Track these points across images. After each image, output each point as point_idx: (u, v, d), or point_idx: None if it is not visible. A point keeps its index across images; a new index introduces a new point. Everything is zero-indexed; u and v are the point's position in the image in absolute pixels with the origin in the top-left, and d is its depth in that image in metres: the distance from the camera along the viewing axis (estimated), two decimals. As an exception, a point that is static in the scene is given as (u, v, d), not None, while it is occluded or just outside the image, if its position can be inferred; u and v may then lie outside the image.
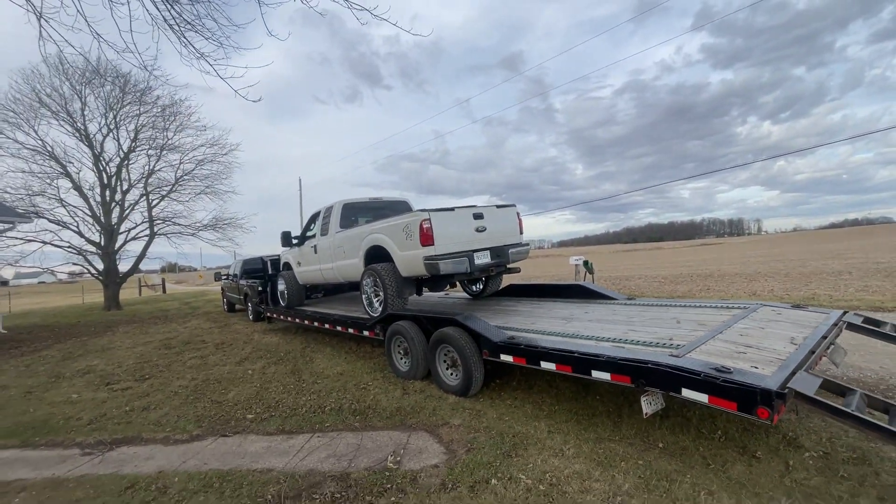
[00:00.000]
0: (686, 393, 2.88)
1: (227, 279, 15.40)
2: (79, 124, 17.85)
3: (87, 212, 18.58)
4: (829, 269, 16.89)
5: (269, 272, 10.99)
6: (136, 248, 20.69)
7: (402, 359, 5.71)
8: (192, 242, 20.90)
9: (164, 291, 35.88)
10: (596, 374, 3.42)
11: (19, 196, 16.70)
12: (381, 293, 6.46)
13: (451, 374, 4.91)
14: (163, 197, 20.36)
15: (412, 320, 5.53)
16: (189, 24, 4.02)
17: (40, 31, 3.65)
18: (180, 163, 20.45)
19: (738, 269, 21.33)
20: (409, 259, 5.79)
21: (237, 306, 15.59)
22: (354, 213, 7.94)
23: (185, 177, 20.61)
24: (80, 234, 18.09)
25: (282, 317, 9.55)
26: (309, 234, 9.01)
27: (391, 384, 5.30)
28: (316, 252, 8.28)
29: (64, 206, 17.68)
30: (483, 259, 5.94)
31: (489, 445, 3.51)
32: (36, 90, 16.71)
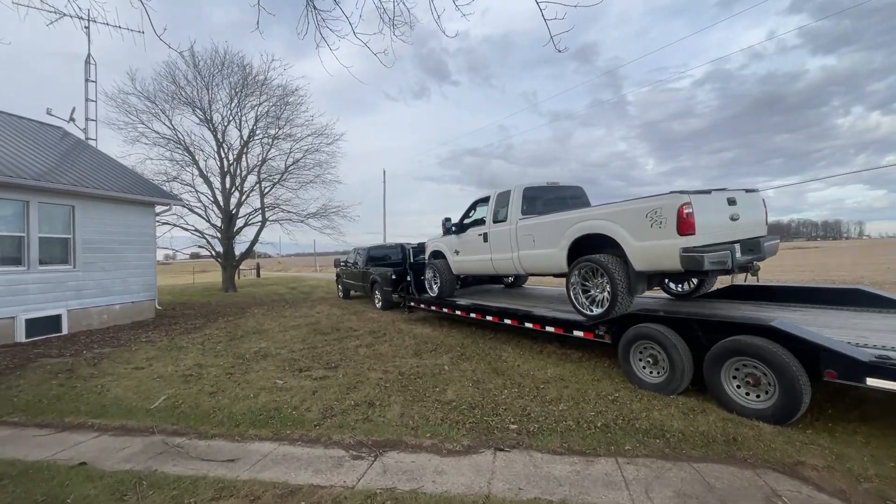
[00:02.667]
0: None
1: (345, 266, 15.46)
2: (207, 114, 18.83)
3: (210, 197, 19.65)
4: None
5: (412, 261, 10.62)
6: (249, 233, 21.73)
7: (647, 368, 4.84)
8: (303, 230, 21.39)
9: (259, 276, 37.99)
10: None
11: (158, 182, 17.91)
12: (593, 290, 5.65)
13: (749, 394, 3.96)
14: (273, 184, 21.11)
15: (669, 323, 4.63)
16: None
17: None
18: (290, 151, 21.09)
19: (881, 276, 18.07)
20: (652, 250, 4.89)
21: (352, 293, 15.64)
22: (535, 198, 7.19)
23: (293, 166, 21.23)
24: (207, 220, 19.16)
25: (433, 307, 9.08)
26: (467, 221, 8.44)
27: (651, 398, 4.45)
28: (486, 241, 7.64)
29: (196, 192, 18.80)
30: (737, 253, 4.89)
31: (939, 510, 2.54)
32: (177, 81, 17.77)
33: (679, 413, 4.05)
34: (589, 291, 5.72)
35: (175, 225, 18.64)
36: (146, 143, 18.31)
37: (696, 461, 3.27)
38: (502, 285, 10.74)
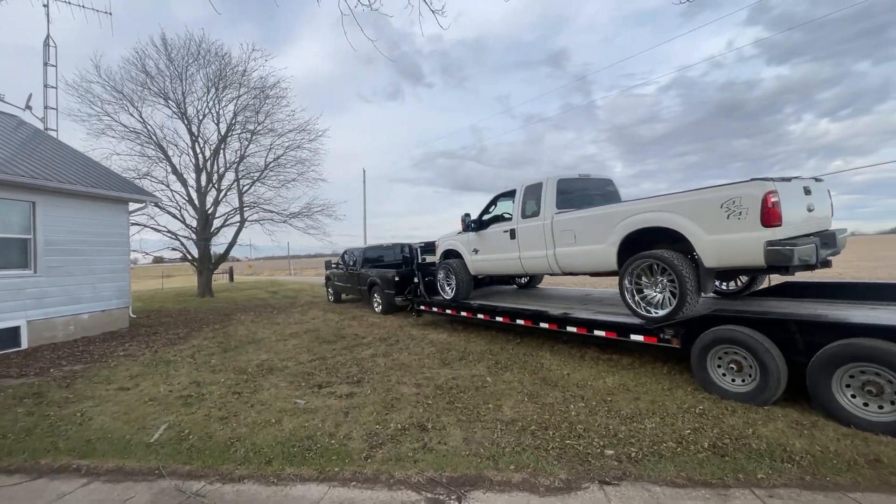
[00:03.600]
0: None
1: (336, 268, 14.54)
2: (181, 107, 17.48)
3: (185, 196, 18.27)
4: None
5: (420, 261, 9.89)
6: (225, 234, 20.39)
7: (729, 375, 4.33)
8: (285, 230, 20.25)
9: (232, 280, 36.14)
10: None
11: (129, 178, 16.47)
12: (651, 289, 5.13)
13: (869, 404, 3.48)
14: (253, 182, 19.87)
15: (758, 325, 4.14)
16: None
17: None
18: (271, 147, 19.91)
19: (859, 273, 18.45)
20: (729, 244, 4.40)
21: (343, 296, 14.78)
22: (569, 191, 6.65)
23: (274, 163, 20.06)
24: (182, 220, 17.80)
25: (449, 311, 8.39)
26: (487, 217, 7.83)
27: (747, 411, 3.91)
28: (513, 237, 7.03)
29: (170, 190, 17.42)
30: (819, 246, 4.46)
31: None
32: (147, 70, 16.39)
33: (789, 428, 3.54)
34: (645, 291, 5.20)
35: (146, 226, 17.21)
36: (113, 137, 16.85)
37: (848, 490, 2.75)
38: (514, 286, 10.17)
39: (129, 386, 5.66)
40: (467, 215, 7.91)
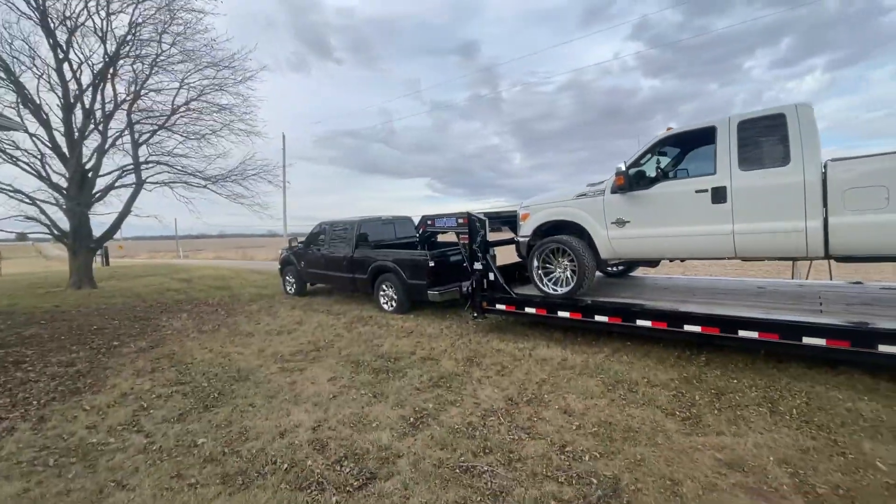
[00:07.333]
0: None
1: (304, 249, 10.54)
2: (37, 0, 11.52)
3: (47, 142, 12.36)
4: None
5: (484, 235, 6.74)
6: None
7: None
8: (207, 196, 15.02)
9: (107, 263, 28.22)
10: None
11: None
12: None
13: None
14: (154, 131, 14.40)
15: None
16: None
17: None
18: (182, 84, 14.54)
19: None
20: None
21: (308, 286, 10.96)
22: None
23: (184, 107, 14.77)
24: (47, 177, 11.99)
25: (563, 314, 5.57)
26: (647, 172, 5.23)
27: None
28: (719, 200, 4.46)
29: (21, 122, 11.44)
30: None
31: None
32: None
33: None
34: None
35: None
36: None
37: None
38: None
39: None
40: (627, 166, 5.09)
